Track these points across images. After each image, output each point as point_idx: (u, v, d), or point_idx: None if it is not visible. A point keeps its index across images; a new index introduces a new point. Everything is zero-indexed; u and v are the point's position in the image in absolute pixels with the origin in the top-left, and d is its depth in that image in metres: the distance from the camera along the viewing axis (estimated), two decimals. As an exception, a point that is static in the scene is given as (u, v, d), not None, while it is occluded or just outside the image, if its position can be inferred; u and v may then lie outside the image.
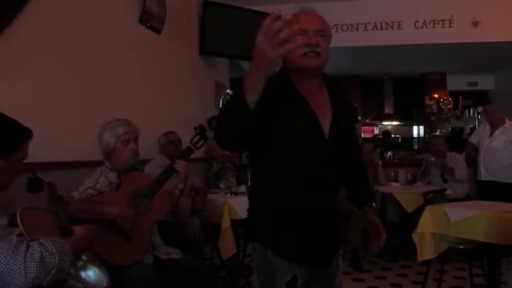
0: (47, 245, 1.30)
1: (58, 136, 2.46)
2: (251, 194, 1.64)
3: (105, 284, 1.67)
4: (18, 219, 1.40)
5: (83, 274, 1.61)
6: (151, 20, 3.73)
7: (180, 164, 2.63)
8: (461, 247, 3.16)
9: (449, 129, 8.39)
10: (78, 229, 1.53)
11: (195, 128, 2.85)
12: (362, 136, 9.37)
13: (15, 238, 1.26)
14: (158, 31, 3.86)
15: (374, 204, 1.75)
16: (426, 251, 3.08)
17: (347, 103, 1.70)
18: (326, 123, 1.52)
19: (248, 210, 1.62)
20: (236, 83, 1.35)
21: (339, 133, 1.55)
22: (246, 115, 1.25)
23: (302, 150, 1.49)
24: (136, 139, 2.42)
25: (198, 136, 2.81)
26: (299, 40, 1.47)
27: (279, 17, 1.11)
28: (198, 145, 2.80)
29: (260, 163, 1.57)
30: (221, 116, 1.40)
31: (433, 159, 4.87)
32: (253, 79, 1.21)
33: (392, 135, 9.94)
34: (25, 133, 1.51)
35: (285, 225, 1.50)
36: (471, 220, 2.88)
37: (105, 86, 3.05)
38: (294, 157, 1.49)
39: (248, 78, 1.22)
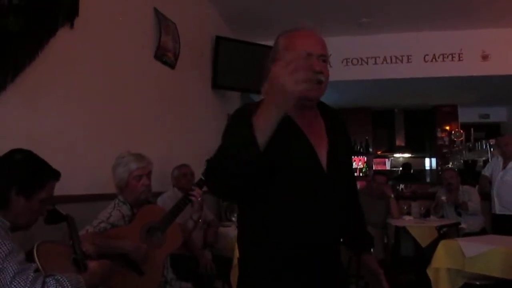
0: (63, 281, 1.31)
1: (73, 169, 2.50)
2: (240, 241, 1.41)
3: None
4: (35, 253, 1.42)
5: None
6: (166, 56, 3.83)
7: (195, 193, 2.65)
8: (477, 283, 3.09)
9: (462, 161, 8.32)
10: (93, 264, 1.55)
11: (207, 161, 2.88)
12: (374, 168, 9.38)
13: (32, 274, 1.27)
14: (172, 66, 3.96)
15: (372, 250, 1.58)
16: (442, 287, 3.02)
17: (344, 132, 1.52)
18: (323, 154, 1.36)
19: (238, 260, 1.41)
20: (238, 119, 1.16)
21: (338, 164, 1.38)
22: (256, 159, 1.06)
23: (300, 185, 1.30)
24: (148, 174, 2.45)
25: (210, 169, 2.83)
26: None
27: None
28: (210, 178, 2.82)
29: (252, 203, 1.33)
30: (220, 159, 1.14)
31: (443, 198, 4.83)
32: (269, 117, 1.04)
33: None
34: (51, 175, 1.54)
35: (279, 272, 1.30)
36: (487, 255, 2.84)
37: (120, 120, 3.12)
38: (291, 193, 1.29)
39: (261, 115, 1.06)
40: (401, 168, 9.41)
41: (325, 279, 1.34)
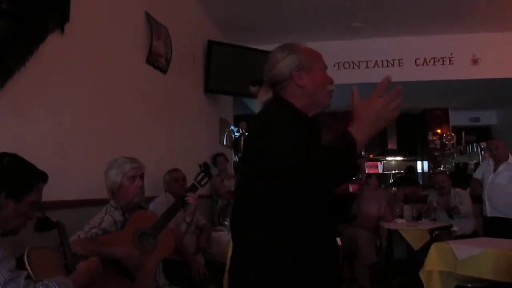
0: (52, 286, 1.30)
1: (64, 174, 2.49)
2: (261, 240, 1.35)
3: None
4: (25, 259, 1.40)
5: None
6: (158, 60, 3.83)
7: (191, 197, 2.64)
8: (469, 285, 3.10)
9: (453, 164, 8.38)
10: (81, 264, 1.54)
11: (200, 166, 2.88)
12: (367, 171, 9.41)
13: (22, 281, 1.27)
14: (164, 71, 3.95)
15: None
16: (434, 289, 3.03)
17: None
18: None
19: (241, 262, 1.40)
20: (341, 141, 1.24)
21: None
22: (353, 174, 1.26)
23: None
24: (142, 176, 2.44)
25: (202, 174, 2.83)
26: (327, 76, 1.51)
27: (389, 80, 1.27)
28: (202, 183, 2.82)
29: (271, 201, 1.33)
30: (321, 168, 1.19)
31: (435, 204, 4.87)
32: (367, 140, 1.24)
33: (396, 171, 9.93)
34: (39, 177, 1.53)
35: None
36: (479, 258, 2.85)
37: (111, 125, 3.10)
38: None
39: (363, 139, 1.22)
40: (403, 171, 9.46)
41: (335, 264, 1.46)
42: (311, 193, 1.22)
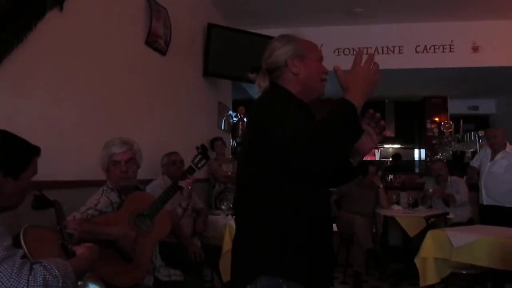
0: (50, 268, 1.28)
1: (62, 154, 2.47)
2: (259, 221, 1.42)
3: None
4: (22, 237, 1.39)
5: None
6: (157, 42, 3.79)
7: (185, 181, 2.62)
8: (464, 272, 3.13)
9: (451, 152, 8.40)
10: (81, 249, 1.52)
11: (197, 148, 2.85)
12: (364, 158, 9.40)
13: (19, 260, 1.24)
14: (163, 53, 3.91)
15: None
16: (429, 276, 3.06)
17: None
18: None
19: (250, 239, 1.43)
20: (345, 111, 1.34)
21: None
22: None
23: None
24: (128, 161, 2.37)
25: (199, 156, 2.80)
26: (321, 66, 1.58)
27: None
28: (199, 165, 2.79)
29: (277, 183, 1.39)
30: (332, 134, 1.28)
31: (431, 190, 4.88)
32: (362, 104, 1.37)
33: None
34: (33, 151, 1.51)
35: (307, 245, 1.40)
36: (474, 245, 2.87)
37: (110, 106, 3.08)
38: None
39: (359, 103, 1.36)
40: (391, 159, 9.45)
41: (327, 254, 1.50)
42: (326, 160, 1.28)
